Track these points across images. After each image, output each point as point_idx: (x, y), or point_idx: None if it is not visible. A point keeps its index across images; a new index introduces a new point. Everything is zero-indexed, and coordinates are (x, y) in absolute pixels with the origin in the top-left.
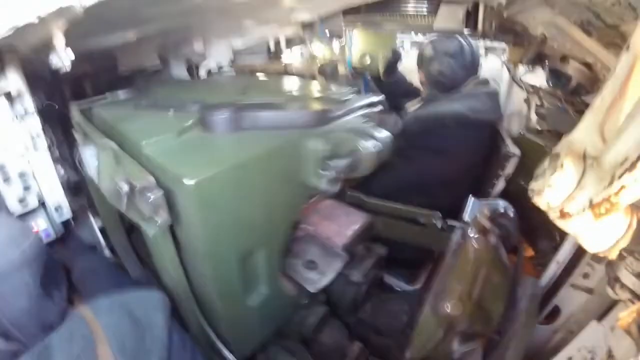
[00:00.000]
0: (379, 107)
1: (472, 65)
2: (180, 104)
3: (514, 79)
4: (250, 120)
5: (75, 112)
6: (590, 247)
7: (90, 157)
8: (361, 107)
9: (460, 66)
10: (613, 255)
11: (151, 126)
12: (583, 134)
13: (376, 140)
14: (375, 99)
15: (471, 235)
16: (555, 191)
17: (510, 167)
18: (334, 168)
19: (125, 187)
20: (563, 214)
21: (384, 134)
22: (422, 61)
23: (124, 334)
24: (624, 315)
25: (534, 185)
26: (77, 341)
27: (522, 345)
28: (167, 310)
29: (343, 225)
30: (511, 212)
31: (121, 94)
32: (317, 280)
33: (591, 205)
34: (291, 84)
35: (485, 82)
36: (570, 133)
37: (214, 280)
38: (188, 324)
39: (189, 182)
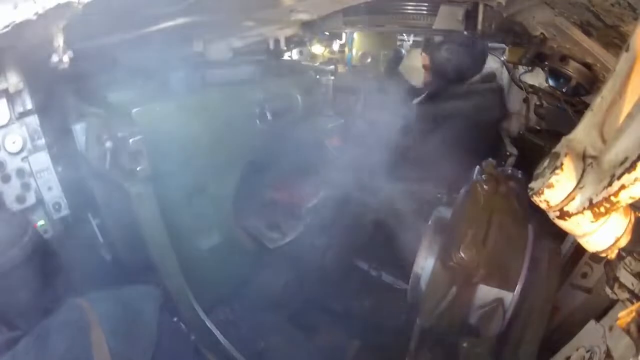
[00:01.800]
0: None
1: (480, 58)
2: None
3: (513, 79)
4: (199, 78)
5: (69, 95)
6: (590, 247)
7: (81, 132)
8: (309, 69)
9: (468, 55)
10: (612, 255)
11: (120, 85)
12: (583, 133)
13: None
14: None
15: (480, 179)
16: (554, 191)
17: (508, 167)
18: (269, 109)
19: (109, 143)
20: (562, 214)
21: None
22: (429, 45)
23: (116, 320)
24: (623, 314)
25: (533, 185)
26: (72, 325)
27: (546, 308)
28: (159, 301)
29: (308, 192)
30: (519, 175)
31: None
32: (278, 239)
33: (591, 204)
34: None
35: (492, 77)
36: (569, 133)
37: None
38: (175, 300)
39: (132, 110)
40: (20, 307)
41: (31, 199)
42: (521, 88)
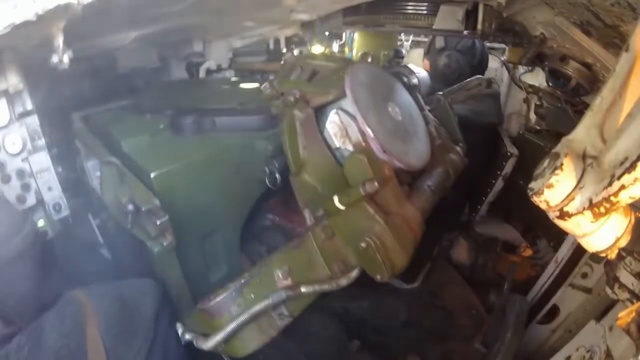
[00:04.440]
0: None
1: (479, 65)
2: (157, 109)
3: (513, 79)
4: (209, 124)
5: (76, 121)
6: (590, 247)
7: (93, 169)
8: None
9: (468, 63)
10: (612, 255)
11: (131, 128)
12: (583, 133)
13: None
14: None
15: None
16: (554, 191)
17: (508, 167)
18: (276, 165)
19: (130, 206)
20: (562, 214)
21: None
22: (430, 50)
23: (113, 316)
24: (623, 314)
25: (533, 185)
26: (67, 321)
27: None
28: (157, 295)
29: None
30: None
31: (120, 101)
32: None
33: (591, 205)
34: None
35: (490, 82)
36: (569, 133)
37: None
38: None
39: (152, 174)
40: (18, 301)
41: (31, 200)
42: (521, 88)
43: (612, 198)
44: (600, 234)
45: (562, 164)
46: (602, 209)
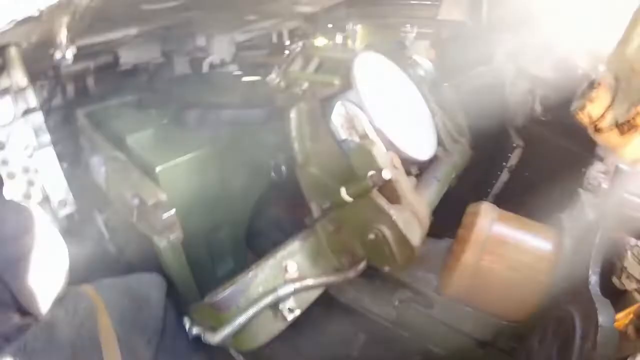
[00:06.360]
0: None
1: (485, 56)
2: (161, 104)
3: (518, 69)
4: (214, 118)
5: (81, 117)
6: (627, 156)
7: (98, 165)
8: None
9: (474, 49)
10: None
11: (136, 123)
12: (616, 60)
13: None
14: None
15: None
16: (595, 105)
17: (514, 158)
18: (282, 157)
19: (136, 201)
20: (597, 129)
21: None
22: (436, 40)
23: (123, 307)
24: (621, 316)
25: (576, 104)
26: (80, 312)
27: None
28: (164, 289)
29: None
30: None
31: (125, 97)
32: None
33: (617, 124)
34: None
35: (495, 73)
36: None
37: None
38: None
39: (157, 168)
40: (32, 294)
41: (37, 196)
42: (526, 78)
43: (632, 121)
44: (630, 147)
45: (599, 83)
46: (626, 128)
